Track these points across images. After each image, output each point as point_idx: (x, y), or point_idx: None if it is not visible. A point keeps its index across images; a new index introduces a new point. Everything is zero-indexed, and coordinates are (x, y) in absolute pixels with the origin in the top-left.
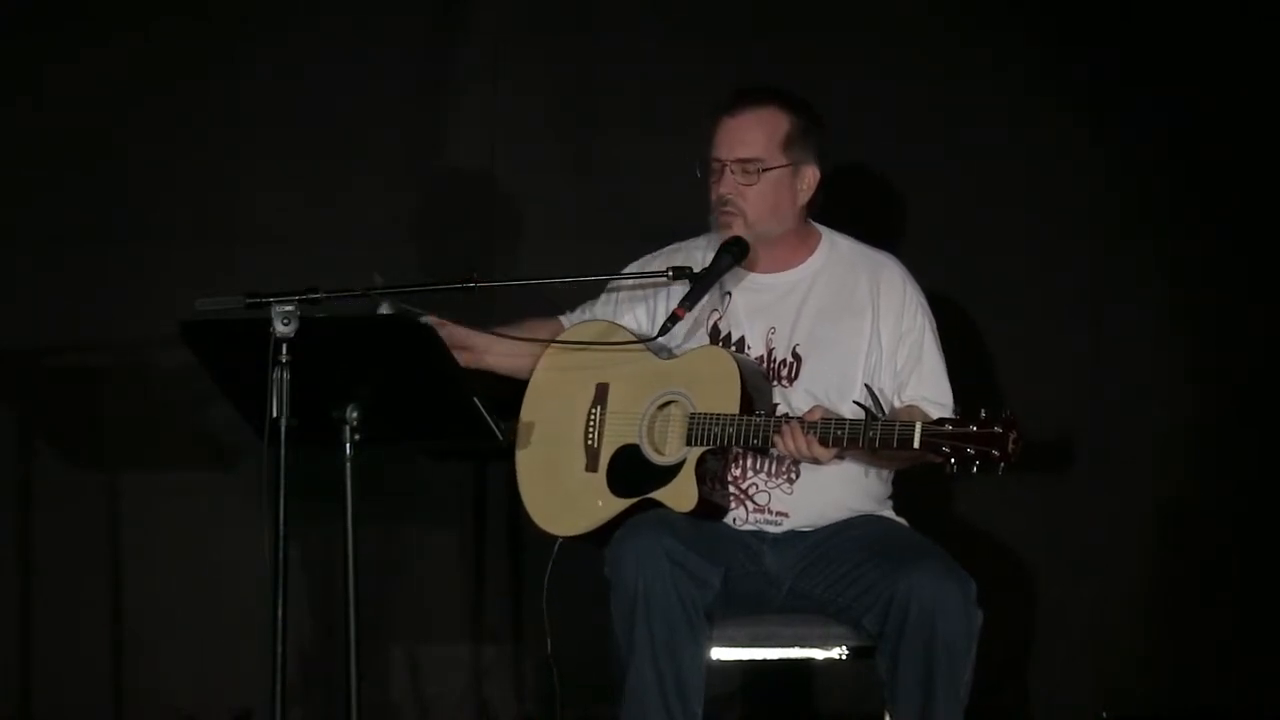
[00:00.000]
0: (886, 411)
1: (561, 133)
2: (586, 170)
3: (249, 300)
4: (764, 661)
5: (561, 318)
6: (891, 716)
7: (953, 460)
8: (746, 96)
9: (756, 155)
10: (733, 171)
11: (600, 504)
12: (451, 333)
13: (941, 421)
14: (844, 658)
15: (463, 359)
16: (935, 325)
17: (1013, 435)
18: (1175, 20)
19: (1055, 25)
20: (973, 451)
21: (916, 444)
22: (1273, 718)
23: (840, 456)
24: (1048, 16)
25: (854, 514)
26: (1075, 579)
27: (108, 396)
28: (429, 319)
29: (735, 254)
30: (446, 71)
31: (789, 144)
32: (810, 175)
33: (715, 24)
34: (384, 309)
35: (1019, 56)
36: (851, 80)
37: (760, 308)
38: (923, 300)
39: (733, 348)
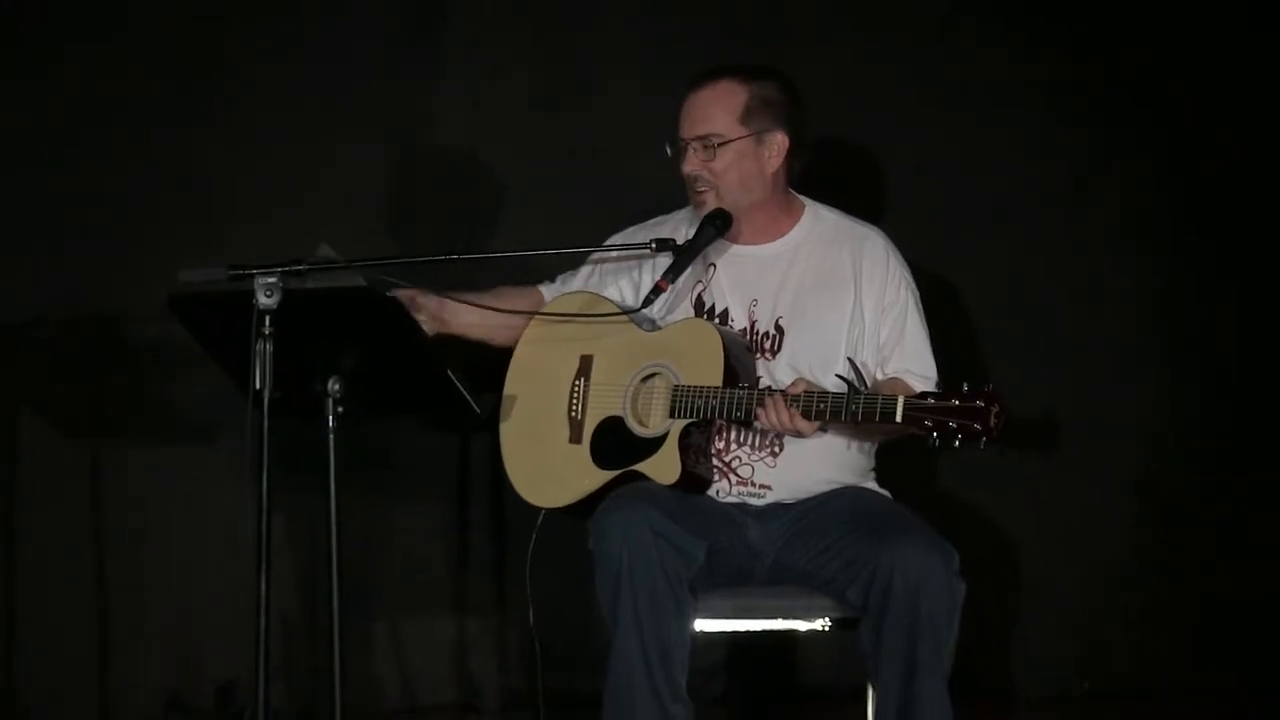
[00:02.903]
0: (869, 384)
1: (543, 111)
2: (569, 148)
3: (232, 272)
4: (748, 633)
5: (540, 287)
6: (875, 687)
7: (935, 434)
8: (704, 74)
9: (713, 130)
10: (694, 150)
11: (584, 476)
12: (423, 303)
13: (924, 395)
14: (827, 629)
15: (429, 326)
16: (919, 298)
17: (995, 409)
18: (1172, 21)
19: (1053, 21)
20: (955, 425)
21: (899, 418)
22: (1251, 690)
23: (823, 429)
24: (1045, 13)
25: (837, 486)
26: (1058, 551)
27: (90, 371)
28: (399, 291)
29: (718, 226)
30: (429, 50)
31: (748, 115)
32: (778, 141)
33: (701, 6)
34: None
35: (1019, 49)
36: (847, 65)
37: (743, 280)
38: (907, 273)
39: (716, 319)
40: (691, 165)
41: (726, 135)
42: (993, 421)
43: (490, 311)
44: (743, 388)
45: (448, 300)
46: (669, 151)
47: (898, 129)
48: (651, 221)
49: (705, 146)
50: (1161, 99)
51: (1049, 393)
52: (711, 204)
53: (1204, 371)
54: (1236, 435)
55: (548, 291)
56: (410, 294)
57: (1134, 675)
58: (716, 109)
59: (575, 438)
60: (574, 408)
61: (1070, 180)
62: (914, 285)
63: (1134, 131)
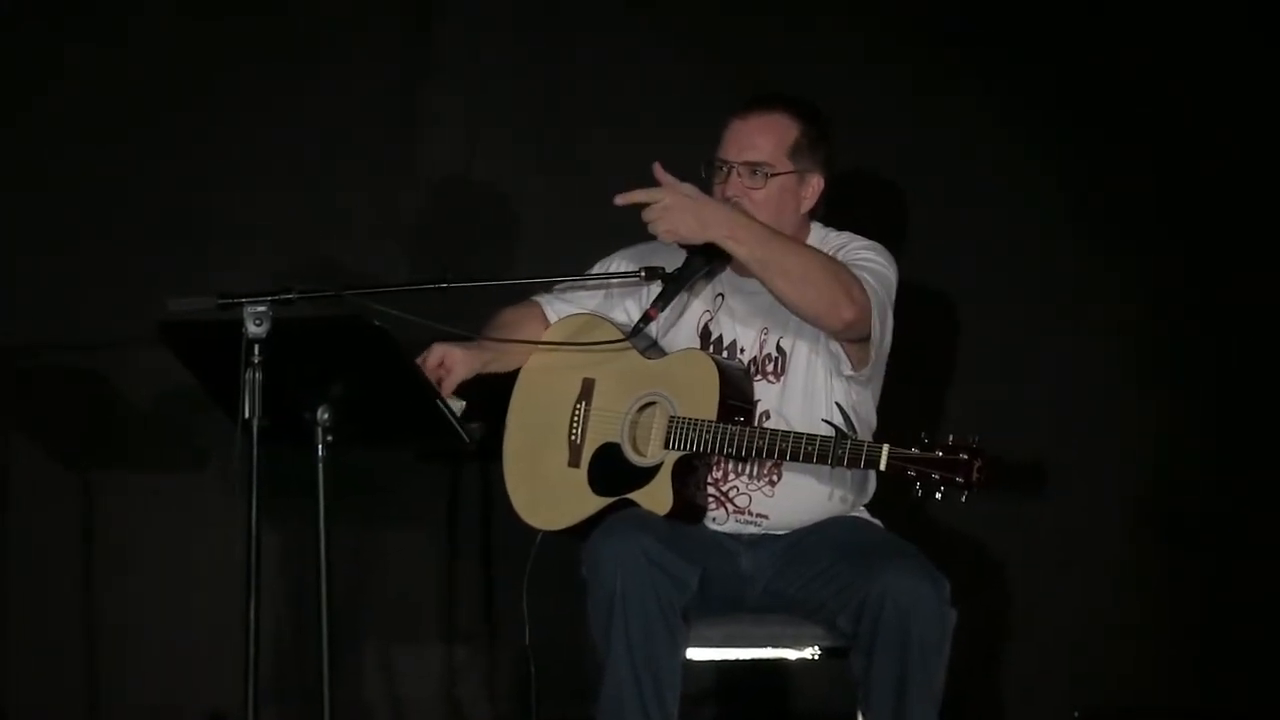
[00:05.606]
0: (858, 432)
1: (539, 133)
2: (564, 170)
3: (221, 300)
4: (738, 661)
5: (539, 301)
6: (865, 716)
7: (918, 484)
8: (758, 101)
9: (764, 160)
10: (739, 174)
11: (580, 501)
12: (452, 363)
13: (908, 445)
14: (817, 658)
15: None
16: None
17: (978, 463)
18: (1173, 21)
19: (1052, 22)
20: (937, 477)
21: (883, 466)
22: (1245, 716)
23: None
24: (1043, 14)
25: (831, 516)
26: (1049, 578)
27: (81, 396)
28: (430, 355)
29: (707, 254)
30: (423, 71)
31: (797, 151)
32: (815, 184)
33: (693, 24)
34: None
35: (1016, 50)
36: (836, 81)
37: (753, 311)
38: (878, 248)
39: (724, 351)
40: (735, 189)
41: (776, 167)
42: (975, 476)
43: (503, 346)
44: (737, 421)
45: (474, 348)
46: (704, 173)
47: (894, 132)
48: (652, 245)
49: (754, 173)
50: (1161, 99)
51: (1041, 417)
52: None
53: (1198, 394)
54: (1232, 456)
55: (547, 307)
56: (439, 356)
57: (1126, 704)
58: (768, 139)
59: (574, 461)
60: (574, 431)
61: (1070, 181)
62: (886, 267)
63: (1134, 132)
